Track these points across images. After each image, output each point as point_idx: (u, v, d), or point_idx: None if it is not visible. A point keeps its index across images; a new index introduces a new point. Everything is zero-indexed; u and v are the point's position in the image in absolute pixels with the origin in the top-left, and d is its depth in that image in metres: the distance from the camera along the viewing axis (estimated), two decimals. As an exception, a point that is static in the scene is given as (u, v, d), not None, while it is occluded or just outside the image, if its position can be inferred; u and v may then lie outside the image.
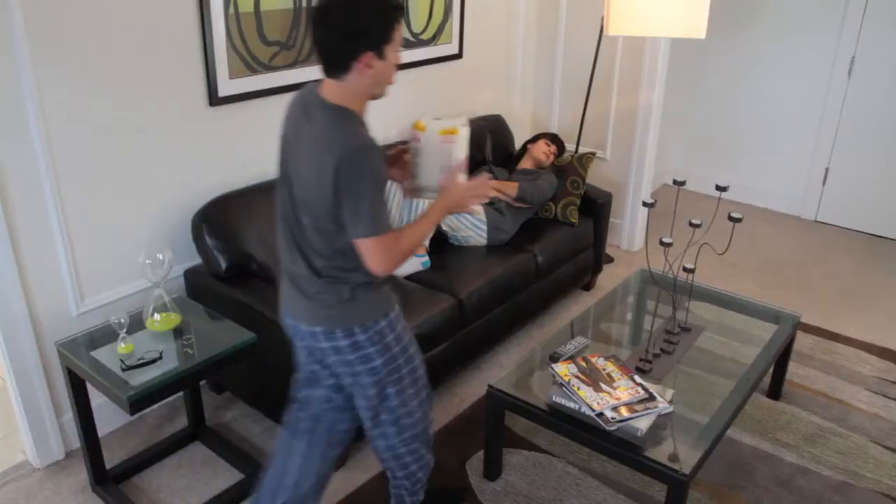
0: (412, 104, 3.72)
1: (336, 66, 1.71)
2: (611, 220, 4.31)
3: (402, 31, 1.81)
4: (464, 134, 1.91)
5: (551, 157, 3.74)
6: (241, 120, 2.92)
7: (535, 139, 3.83)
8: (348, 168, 1.65)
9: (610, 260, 4.28)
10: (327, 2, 1.67)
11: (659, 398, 2.25)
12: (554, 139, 3.80)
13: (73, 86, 2.37)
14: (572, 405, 2.27)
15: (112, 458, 2.67)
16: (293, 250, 1.84)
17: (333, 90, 1.75)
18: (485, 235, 3.29)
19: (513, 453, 2.73)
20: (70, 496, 2.50)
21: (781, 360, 2.97)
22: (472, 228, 3.26)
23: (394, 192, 2.87)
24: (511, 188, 3.44)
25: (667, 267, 3.39)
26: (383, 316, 1.87)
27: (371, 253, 1.73)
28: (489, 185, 1.93)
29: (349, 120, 1.73)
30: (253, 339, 2.37)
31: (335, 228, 1.75)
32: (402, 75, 3.60)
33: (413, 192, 2.00)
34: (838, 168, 4.76)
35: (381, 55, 1.70)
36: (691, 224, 2.63)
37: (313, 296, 1.84)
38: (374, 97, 1.83)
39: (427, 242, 2.46)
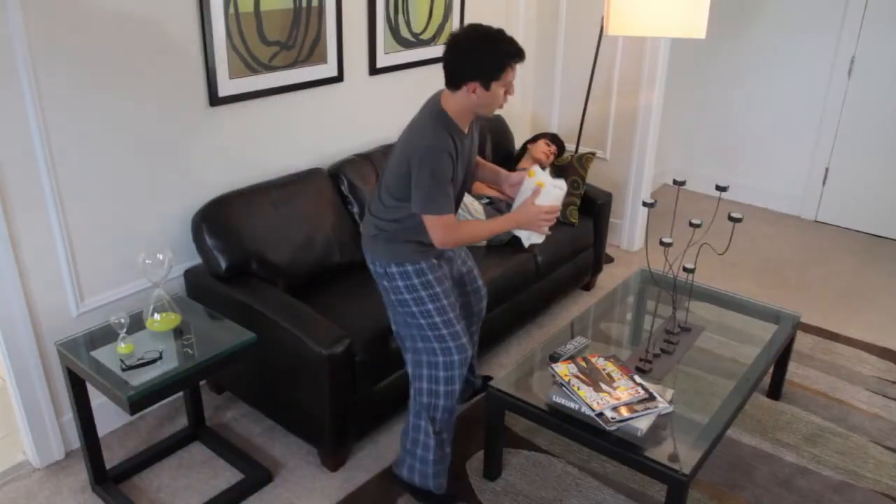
0: (412, 104, 3.71)
1: (450, 82, 2.15)
2: (611, 220, 4.31)
3: (515, 73, 2.14)
4: (564, 186, 2.33)
5: (551, 158, 3.75)
6: (241, 120, 2.92)
7: (534, 139, 3.83)
8: (416, 160, 2.12)
9: (610, 260, 4.28)
10: (463, 32, 2.11)
11: (659, 398, 2.25)
12: (554, 139, 3.80)
13: (73, 86, 2.37)
14: (572, 405, 2.27)
15: (112, 458, 2.67)
16: (369, 202, 2.41)
17: (447, 97, 2.19)
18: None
19: (513, 453, 2.73)
20: (70, 496, 2.50)
21: (781, 360, 2.97)
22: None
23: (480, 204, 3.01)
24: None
25: (667, 267, 3.39)
26: (408, 263, 2.29)
27: (428, 226, 2.19)
28: (556, 215, 2.29)
29: (438, 124, 2.15)
30: (253, 339, 2.37)
31: (393, 197, 2.24)
32: (401, 75, 3.60)
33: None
34: (838, 168, 4.76)
35: (486, 87, 2.10)
36: (691, 224, 2.63)
37: (363, 230, 2.41)
38: (480, 115, 2.25)
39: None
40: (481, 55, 2.07)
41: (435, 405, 2.36)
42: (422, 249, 2.29)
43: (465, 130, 2.23)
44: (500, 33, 2.10)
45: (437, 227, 2.18)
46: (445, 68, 2.14)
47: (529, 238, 2.36)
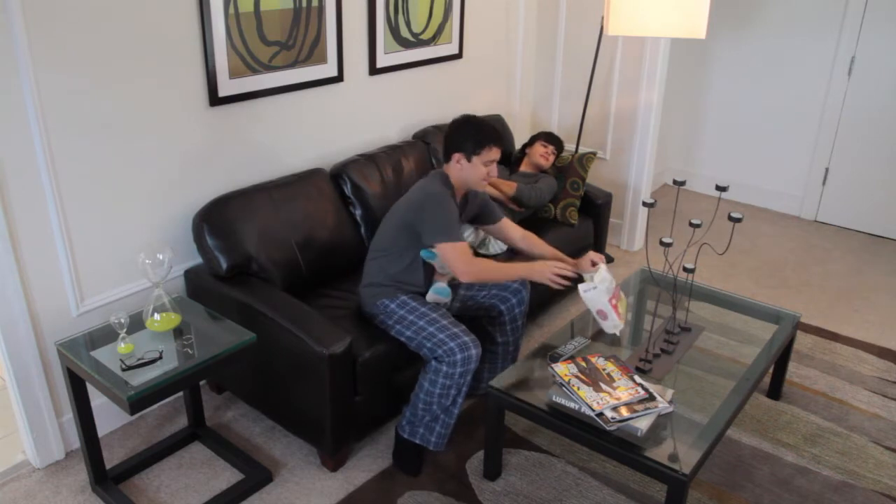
0: (412, 104, 3.73)
1: (444, 153, 2.64)
2: (611, 220, 4.31)
3: (494, 154, 2.58)
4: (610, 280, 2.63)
5: (551, 158, 3.66)
6: (241, 120, 2.92)
7: (531, 142, 3.75)
8: (428, 202, 2.54)
9: (610, 260, 4.27)
10: (462, 117, 2.63)
11: (659, 398, 2.25)
12: (549, 138, 3.70)
13: (73, 85, 2.37)
14: (572, 405, 2.27)
15: (112, 458, 2.67)
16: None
17: (446, 169, 2.65)
18: (504, 247, 3.30)
19: (513, 453, 2.73)
20: (70, 496, 2.50)
21: (781, 360, 2.97)
22: (495, 244, 3.27)
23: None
24: (509, 187, 3.43)
25: (667, 267, 3.39)
26: (389, 300, 2.65)
27: (448, 257, 2.52)
28: (569, 272, 2.60)
29: (442, 181, 2.60)
30: (253, 339, 2.37)
31: (389, 253, 2.65)
32: (401, 75, 3.60)
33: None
34: (838, 168, 4.76)
35: (468, 160, 2.57)
36: (691, 224, 2.63)
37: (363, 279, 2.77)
38: (469, 187, 2.65)
39: (446, 278, 2.75)
40: (468, 132, 2.57)
41: (447, 395, 2.54)
42: (401, 286, 2.66)
43: (457, 201, 2.65)
44: (486, 122, 2.60)
45: (457, 256, 2.50)
46: (443, 143, 2.65)
47: (612, 328, 2.61)
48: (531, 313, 3.46)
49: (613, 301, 2.61)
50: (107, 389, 2.14)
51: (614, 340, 2.72)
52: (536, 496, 2.53)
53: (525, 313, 2.89)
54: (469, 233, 3.15)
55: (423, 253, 2.62)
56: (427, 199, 2.54)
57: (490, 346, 2.92)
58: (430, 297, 2.67)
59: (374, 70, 3.42)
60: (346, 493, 2.54)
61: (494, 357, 2.93)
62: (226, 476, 2.61)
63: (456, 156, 2.58)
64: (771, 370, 3.00)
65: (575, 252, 3.63)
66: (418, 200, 2.56)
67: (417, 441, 2.62)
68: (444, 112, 3.92)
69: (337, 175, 3.14)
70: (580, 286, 2.57)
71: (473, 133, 2.56)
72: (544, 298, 3.52)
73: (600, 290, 2.56)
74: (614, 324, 2.60)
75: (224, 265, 2.67)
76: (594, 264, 2.62)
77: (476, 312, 2.86)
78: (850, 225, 4.83)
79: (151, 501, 2.49)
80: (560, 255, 2.76)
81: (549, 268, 2.58)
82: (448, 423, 2.60)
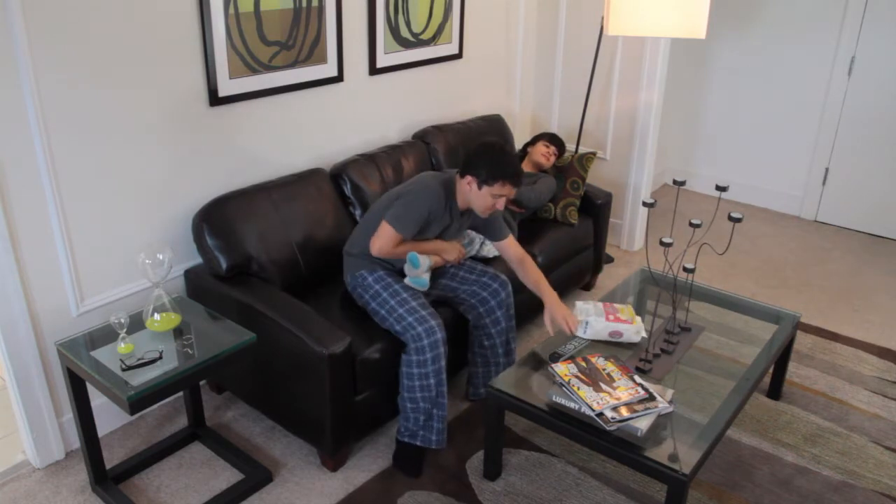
0: (412, 104, 3.73)
1: (462, 169, 2.61)
2: (611, 220, 4.31)
3: (506, 191, 2.55)
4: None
5: (552, 159, 3.68)
6: (242, 120, 2.92)
7: (533, 141, 3.76)
8: (405, 192, 2.65)
9: (610, 260, 4.28)
10: (491, 140, 2.68)
11: (659, 398, 2.25)
12: (552, 139, 3.72)
13: (73, 86, 2.37)
14: (572, 405, 2.27)
15: (112, 458, 2.67)
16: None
17: (460, 179, 2.63)
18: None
19: (513, 453, 2.73)
20: (70, 496, 2.50)
21: (781, 360, 2.97)
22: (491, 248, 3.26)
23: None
24: None
25: (667, 267, 3.39)
26: (367, 272, 2.72)
27: (379, 231, 2.61)
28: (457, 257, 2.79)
29: (444, 186, 2.65)
30: (253, 339, 2.37)
31: (371, 221, 2.71)
32: (401, 75, 3.60)
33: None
34: (838, 168, 4.76)
35: (479, 187, 2.56)
36: (691, 224, 2.63)
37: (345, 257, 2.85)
38: (473, 207, 2.65)
39: (428, 273, 2.74)
40: (487, 161, 2.53)
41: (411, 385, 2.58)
42: (381, 261, 2.73)
43: (461, 211, 2.72)
44: (511, 155, 2.60)
45: (384, 236, 2.59)
46: (463, 158, 2.64)
47: (634, 336, 2.66)
48: (531, 313, 3.46)
49: (612, 316, 2.66)
50: (107, 389, 2.14)
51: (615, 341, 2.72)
52: (536, 496, 2.53)
53: (511, 316, 2.87)
54: (467, 241, 3.12)
55: (410, 281, 2.70)
56: (415, 191, 2.63)
57: (479, 350, 2.90)
58: (406, 281, 2.70)
59: (374, 70, 3.43)
60: (346, 493, 2.54)
61: (486, 361, 2.90)
62: (226, 476, 2.61)
63: (469, 178, 2.58)
64: (771, 370, 3.00)
65: (575, 252, 3.65)
66: (411, 187, 2.65)
67: (419, 443, 2.62)
68: (444, 112, 3.92)
69: (337, 175, 3.14)
70: (579, 335, 2.67)
71: (493, 164, 2.53)
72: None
73: (594, 322, 2.65)
74: (635, 331, 2.64)
75: (224, 265, 2.67)
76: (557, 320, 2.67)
77: (454, 304, 2.86)
78: (850, 225, 4.83)
79: (151, 501, 2.49)
80: (547, 291, 2.74)
81: (457, 249, 2.75)
82: (442, 415, 2.60)
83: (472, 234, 3.16)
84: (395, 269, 2.74)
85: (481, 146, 2.61)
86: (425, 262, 2.68)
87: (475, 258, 3.13)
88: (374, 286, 2.66)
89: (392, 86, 3.57)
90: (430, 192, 2.61)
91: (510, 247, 2.82)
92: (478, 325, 2.85)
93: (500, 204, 2.58)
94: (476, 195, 2.57)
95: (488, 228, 2.80)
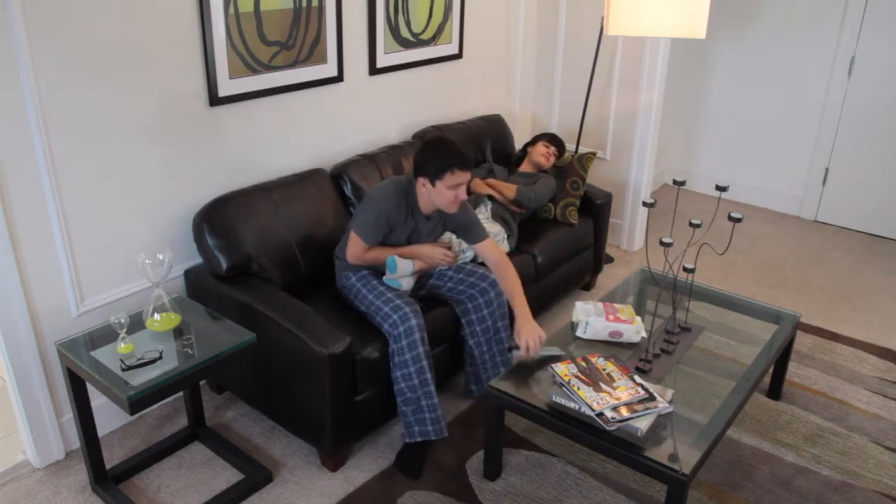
0: (412, 104, 3.73)
1: (412, 175, 2.65)
2: (611, 220, 4.31)
3: (459, 178, 2.54)
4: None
5: (552, 159, 3.67)
6: (242, 120, 2.93)
7: (533, 141, 3.75)
8: (372, 195, 2.68)
9: (610, 260, 4.28)
10: (428, 140, 2.74)
11: (659, 398, 2.25)
12: (552, 139, 3.71)
13: (73, 86, 2.37)
14: (572, 405, 2.27)
15: (112, 458, 2.67)
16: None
17: (416, 184, 2.66)
18: (506, 242, 3.29)
19: (513, 453, 2.73)
20: (70, 496, 2.50)
21: (781, 360, 2.97)
22: (497, 240, 3.26)
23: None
24: (509, 189, 3.43)
25: (667, 267, 3.40)
26: (352, 272, 2.79)
27: (349, 242, 2.69)
28: (442, 260, 2.80)
29: (390, 187, 2.67)
30: (253, 339, 2.37)
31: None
32: (401, 75, 3.60)
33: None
34: (838, 168, 4.76)
35: (433, 184, 2.57)
36: (691, 224, 2.63)
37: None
38: (437, 207, 2.66)
39: (412, 277, 2.78)
40: (429, 156, 2.56)
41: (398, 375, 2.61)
42: (350, 266, 2.79)
43: (427, 214, 2.73)
44: (451, 144, 2.60)
45: (352, 244, 2.68)
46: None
47: (635, 336, 2.66)
48: (531, 313, 3.46)
49: (612, 316, 2.67)
50: (107, 389, 2.14)
51: (617, 341, 2.72)
52: (536, 496, 2.53)
53: (503, 315, 2.84)
54: (465, 247, 3.11)
55: (387, 281, 2.73)
56: (369, 198, 2.68)
57: (468, 349, 2.89)
58: (384, 280, 2.74)
59: (374, 70, 3.43)
60: (346, 493, 2.54)
61: (473, 360, 2.89)
62: (226, 476, 2.61)
63: (420, 180, 2.60)
64: (771, 370, 3.00)
65: (575, 252, 3.65)
66: (369, 195, 2.69)
67: (419, 439, 2.62)
68: (444, 112, 3.92)
69: (337, 175, 3.14)
70: (579, 334, 2.68)
71: (435, 158, 2.54)
72: (545, 298, 3.52)
73: (594, 322, 2.66)
74: (635, 331, 2.64)
75: (224, 265, 2.67)
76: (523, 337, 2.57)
77: (449, 303, 2.86)
78: (849, 225, 4.83)
79: (151, 501, 2.49)
80: (520, 305, 2.66)
81: (435, 252, 2.76)
82: (432, 403, 2.61)
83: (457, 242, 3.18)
84: (378, 271, 2.78)
85: (421, 146, 2.63)
86: (405, 266, 2.70)
87: (474, 261, 3.13)
88: (357, 284, 2.73)
89: (392, 86, 3.57)
90: (385, 201, 2.64)
91: (488, 249, 2.79)
92: (466, 323, 2.84)
93: (462, 193, 2.58)
94: (434, 193, 2.59)
95: (465, 231, 2.79)
